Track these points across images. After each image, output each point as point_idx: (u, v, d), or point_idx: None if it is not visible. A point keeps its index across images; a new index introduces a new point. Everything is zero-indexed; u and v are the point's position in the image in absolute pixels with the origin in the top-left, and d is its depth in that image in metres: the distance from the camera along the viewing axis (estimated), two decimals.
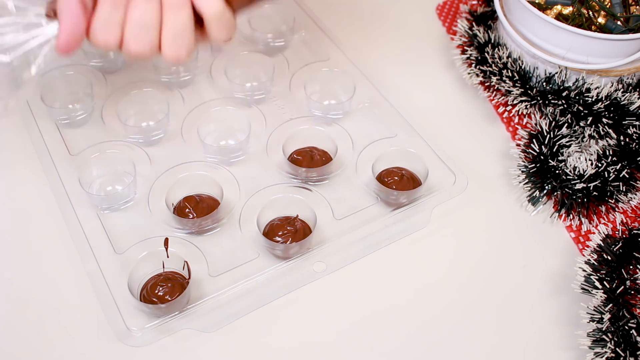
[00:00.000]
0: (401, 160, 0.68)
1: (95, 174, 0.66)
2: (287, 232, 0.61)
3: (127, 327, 0.55)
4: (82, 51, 0.75)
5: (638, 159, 0.67)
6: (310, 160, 0.67)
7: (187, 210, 0.63)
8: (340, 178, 0.68)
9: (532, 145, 0.69)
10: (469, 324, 0.60)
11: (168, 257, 0.60)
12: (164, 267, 0.59)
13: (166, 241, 0.60)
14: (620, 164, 0.66)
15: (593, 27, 0.72)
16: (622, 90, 0.71)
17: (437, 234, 0.66)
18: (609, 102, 0.70)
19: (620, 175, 0.66)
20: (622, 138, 0.69)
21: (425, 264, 0.64)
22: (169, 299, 0.56)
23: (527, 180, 0.68)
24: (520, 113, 0.76)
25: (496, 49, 0.76)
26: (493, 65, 0.75)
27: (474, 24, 0.80)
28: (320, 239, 0.62)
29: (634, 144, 0.68)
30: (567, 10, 0.74)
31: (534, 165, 0.68)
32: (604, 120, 0.70)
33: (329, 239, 0.62)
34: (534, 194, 0.67)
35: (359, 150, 0.69)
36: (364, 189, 0.67)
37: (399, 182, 0.66)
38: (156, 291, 0.57)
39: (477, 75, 0.76)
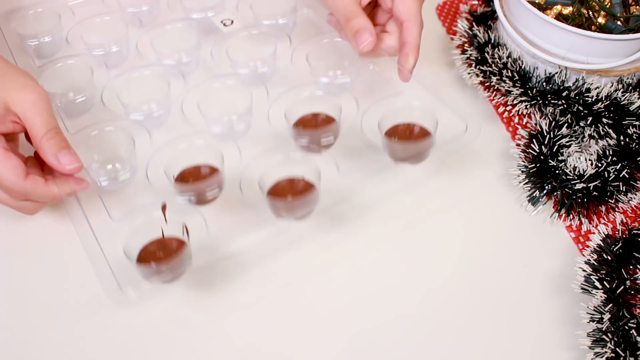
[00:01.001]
0: (409, 114, 0.66)
1: (94, 150, 0.65)
2: (292, 193, 0.60)
3: (122, 289, 0.53)
4: (85, 44, 0.75)
5: (638, 159, 0.67)
6: (314, 125, 0.66)
7: (187, 178, 0.62)
8: (346, 139, 0.66)
9: (532, 145, 0.69)
10: (467, 323, 0.60)
11: (167, 222, 0.58)
12: (163, 234, 0.58)
13: (164, 207, 0.58)
14: (620, 164, 0.66)
15: (593, 27, 0.72)
16: (622, 90, 0.72)
17: (436, 234, 0.66)
18: (609, 102, 0.70)
19: (620, 175, 0.66)
20: (622, 138, 0.69)
21: (424, 263, 0.64)
22: (166, 261, 0.55)
23: (527, 180, 0.68)
24: (520, 113, 0.76)
25: (496, 49, 0.76)
26: (493, 65, 0.75)
27: (474, 24, 0.80)
28: (326, 199, 0.60)
29: (634, 144, 0.68)
30: (567, 10, 0.74)
31: (534, 165, 0.68)
32: (604, 120, 0.70)
33: (336, 195, 0.61)
34: (534, 194, 0.67)
35: (364, 109, 0.66)
36: (372, 147, 0.65)
37: (408, 136, 0.64)
38: (153, 254, 0.56)
39: (477, 75, 0.76)
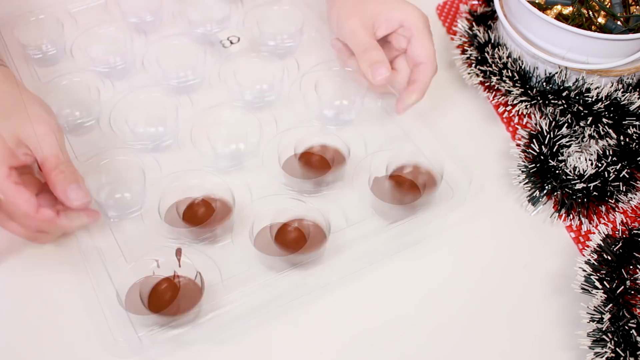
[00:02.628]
0: (415, 161, 0.67)
1: (104, 181, 0.65)
2: (297, 239, 0.60)
3: (114, 337, 0.53)
4: (89, 57, 0.75)
5: (638, 159, 0.67)
6: (322, 164, 0.67)
7: (198, 215, 0.62)
8: (352, 181, 0.67)
9: (532, 145, 0.69)
10: (467, 323, 0.60)
11: (180, 266, 0.58)
12: (174, 277, 0.58)
13: (178, 251, 0.58)
14: (620, 164, 0.66)
15: (593, 27, 0.72)
16: (622, 90, 0.71)
17: (437, 234, 0.66)
18: (609, 102, 0.70)
19: (620, 175, 0.66)
20: (622, 138, 0.69)
21: (425, 264, 0.64)
22: (181, 309, 0.55)
23: (527, 180, 0.68)
24: (520, 113, 0.76)
25: (496, 49, 0.76)
26: (493, 65, 0.75)
27: (474, 24, 0.80)
28: (333, 245, 0.61)
29: (634, 144, 0.68)
30: (567, 10, 0.74)
31: (534, 165, 0.68)
32: (604, 120, 0.70)
33: (341, 246, 0.61)
34: (534, 194, 0.67)
35: (372, 153, 0.67)
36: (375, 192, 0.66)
37: (413, 184, 0.65)
38: (165, 298, 0.56)
39: (477, 75, 0.76)
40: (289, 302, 0.60)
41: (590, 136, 0.70)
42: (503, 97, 0.76)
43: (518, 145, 0.72)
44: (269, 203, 0.63)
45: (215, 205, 0.63)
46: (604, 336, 0.56)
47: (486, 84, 0.77)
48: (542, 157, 0.68)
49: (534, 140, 0.70)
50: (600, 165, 0.67)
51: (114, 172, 0.66)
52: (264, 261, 0.60)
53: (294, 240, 0.61)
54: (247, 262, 0.61)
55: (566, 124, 0.70)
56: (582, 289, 0.59)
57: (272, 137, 0.69)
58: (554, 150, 0.69)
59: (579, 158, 0.68)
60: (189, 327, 0.56)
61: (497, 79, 0.74)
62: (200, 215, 0.62)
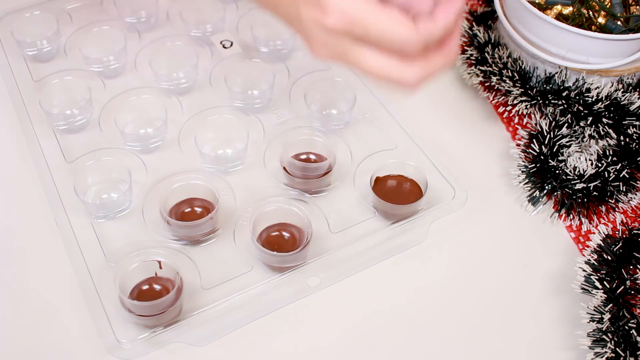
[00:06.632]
0: (400, 172, 0.67)
1: (91, 182, 0.65)
2: (282, 243, 0.61)
3: (117, 339, 0.54)
4: (82, 56, 0.75)
5: (638, 159, 0.67)
6: (306, 174, 0.67)
7: (181, 215, 0.62)
8: (338, 189, 0.67)
9: (532, 145, 0.69)
10: (468, 324, 0.60)
11: (161, 267, 0.59)
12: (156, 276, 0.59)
13: (159, 264, 0.59)
14: (620, 164, 0.66)
15: (593, 27, 0.72)
16: (622, 90, 0.71)
17: (437, 234, 0.66)
18: (609, 102, 0.70)
19: (620, 175, 0.66)
20: (622, 138, 0.69)
21: (425, 264, 0.64)
22: (160, 298, 0.55)
23: (527, 180, 0.68)
24: (520, 113, 0.76)
25: (496, 49, 0.76)
26: (493, 65, 0.75)
27: (474, 24, 0.80)
28: (316, 252, 0.61)
29: (634, 144, 0.68)
30: (567, 10, 0.74)
31: (534, 165, 0.68)
32: (604, 120, 0.70)
33: (325, 251, 0.61)
34: (534, 194, 0.68)
35: (357, 162, 0.68)
36: (361, 201, 0.66)
37: (397, 195, 0.65)
38: (146, 289, 0.57)
39: (477, 75, 0.76)
40: (287, 304, 0.60)
41: (590, 136, 0.70)
42: (503, 97, 0.76)
43: (518, 145, 0.72)
44: (253, 208, 0.63)
45: (200, 206, 0.63)
46: (604, 336, 0.56)
47: (486, 84, 0.77)
48: (542, 157, 0.68)
49: (534, 140, 0.70)
50: (600, 165, 0.67)
51: (101, 172, 0.66)
52: (264, 260, 0.61)
53: (276, 244, 0.61)
54: (249, 263, 0.61)
55: (566, 124, 0.70)
56: (582, 289, 0.59)
57: (259, 144, 0.69)
58: (554, 150, 0.69)
59: (579, 158, 0.68)
60: (191, 328, 0.56)
61: (497, 79, 0.74)
62: (186, 216, 0.63)
